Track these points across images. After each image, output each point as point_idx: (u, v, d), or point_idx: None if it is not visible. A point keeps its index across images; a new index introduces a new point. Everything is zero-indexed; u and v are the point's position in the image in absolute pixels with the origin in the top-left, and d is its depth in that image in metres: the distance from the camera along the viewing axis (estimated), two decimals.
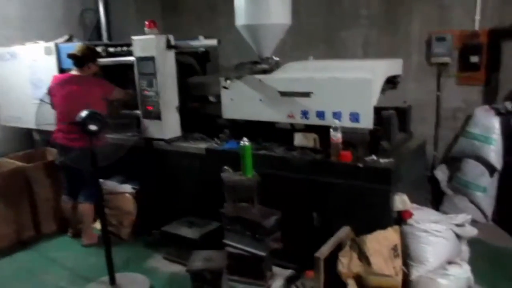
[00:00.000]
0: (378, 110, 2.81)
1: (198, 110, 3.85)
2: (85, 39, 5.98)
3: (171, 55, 3.53)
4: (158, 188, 3.77)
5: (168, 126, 3.57)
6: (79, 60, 3.48)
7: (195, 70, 4.02)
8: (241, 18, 3.22)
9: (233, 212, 2.90)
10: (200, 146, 3.43)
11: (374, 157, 2.75)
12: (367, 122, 2.72)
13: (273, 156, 3.02)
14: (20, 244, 3.80)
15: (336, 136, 2.75)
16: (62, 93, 3.43)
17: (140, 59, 3.53)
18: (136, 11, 5.93)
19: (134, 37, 3.54)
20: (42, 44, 4.22)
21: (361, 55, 4.32)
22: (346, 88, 2.77)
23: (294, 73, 3.02)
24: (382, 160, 2.69)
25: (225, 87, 3.15)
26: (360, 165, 2.66)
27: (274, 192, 3.01)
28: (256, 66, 3.28)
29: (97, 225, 4.02)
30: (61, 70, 4.15)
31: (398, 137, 3.02)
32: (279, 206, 2.99)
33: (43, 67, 4.18)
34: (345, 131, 2.83)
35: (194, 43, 3.57)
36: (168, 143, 3.57)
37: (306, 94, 2.92)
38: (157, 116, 3.55)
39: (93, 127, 2.57)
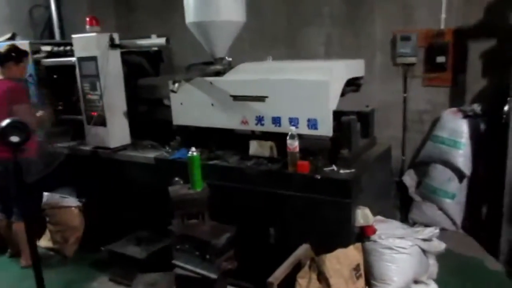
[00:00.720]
0: (338, 115, 2.58)
1: (150, 115, 3.55)
2: (35, 38, 5.59)
3: (115, 54, 3.21)
4: (105, 201, 3.45)
5: (114, 133, 3.26)
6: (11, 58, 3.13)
7: (146, 71, 3.72)
8: (190, 15, 2.92)
9: (181, 229, 2.61)
10: (149, 155, 3.12)
11: (334, 167, 2.52)
12: (325, 129, 2.49)
13: (226, 166, 2.74)
14: None
15: (293, 145, 2.50)
16: None
17: (81, 59, 3.21)
18: (89, 8, 5.54)
19: (74, 36, 3.21)
20: None
21: (323, 55, 4.09)
22: (302, 92, 2.52)
23: (247, 75, 2.76)
24: (342, 171, 2.46)
25: (173, 91, 2.86)
26: (318, 176, 2.42)
27: (228, 206, 2.74)
28: (209, 67, 3.01)
29: (42, 242, 3.67)
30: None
31: (361, 143, 2.80)
32: (234, 221, 2.70)
33: None
34: (305, 138, 2.60)
35: (141, 42, 3.26)
36: (114, 152, 3.25)
37: (261, 98, 2.66)
38: (101, 122, 3.22)
39: (15, 139, 2.24)
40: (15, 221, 3.26)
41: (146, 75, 3.66)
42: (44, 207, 3.54)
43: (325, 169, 2.51)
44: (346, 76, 2.64)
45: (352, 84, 2.85)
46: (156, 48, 3.93)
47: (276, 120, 2.64)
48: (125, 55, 3.53)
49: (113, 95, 3.21)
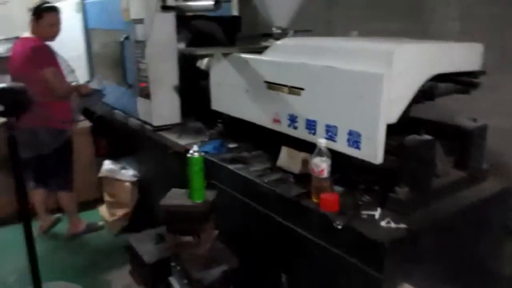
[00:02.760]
0: (408, 129, 1.62)
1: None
2: None
3: (167, 18, 2.72)
4: (154, 181, 3.13)
5: (159, 109, 2.83)
6: (32, 13, 2.95)
7: (217, 40, 3.16)
8: None
9: (172, 247, 2.07)
10: (183, 141, 2.61)
11: (377, 212, 1.60)
12: (371, 150, 1.56)
13: (242, 176, 2.04)
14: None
15: (318, 166, 1.66)
16: (11, 58, 3.01)
17: (134, 21, 2.82)
18: None
19: None
20: (71, 1, 3.81)
21: (458, 32, 2.86)
22: (343, 88, 1.63)
23: (284, 55, 1.95)
24: (386, 223, 1.53)
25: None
26: (338, 224, 1.54)
27: (239, 226, 2.09)
28: (260, 41, 2.29)
29: (100, 211, 3.61)
30: (86, 31, 3.73)
31: (446, 178, 1.76)
32: (240, 249, 2.07)
33: (70, 27, 3.80)
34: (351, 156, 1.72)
35: (192, 3, 2.68)
36: (154, 131, 2.84)
37: (295, 90, 1.85)
38: (147, 95, 2.83)
39: None
40: (59, 191, 3.19)
41: (217, 45, 3.11)
42: (100, 174, 3.42)
43: (364, 212, 1.61)
44: (429, 68, 1.61)
45: (455, 82, 1.79)
46: (234, 14, 3.34)
47: (311, 125, 1.81)
48: (193, 20, 3.05)
49: (160, 66, 2.77)
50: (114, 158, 3.56)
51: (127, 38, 2.93)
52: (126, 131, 3.31)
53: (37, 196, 3.24)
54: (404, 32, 2.91)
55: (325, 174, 1.66)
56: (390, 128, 1.56)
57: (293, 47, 1.95)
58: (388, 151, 1.62)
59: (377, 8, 3.22)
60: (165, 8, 2.67)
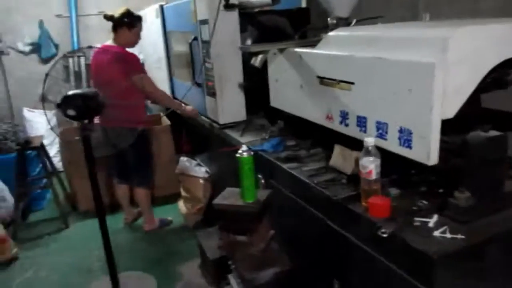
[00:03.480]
0: (467, 125, 1.41)
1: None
2: None
3: (232, 17, 2.73)
4: (226, 178, 3.18)
5: (224, 107, 2.86)
6: (113, 22, 3.10)
7: (286, 34, 3.09)
8: None
9: (225, 246, 2.07)
10: (246, 139, 2.61)
11: (433, 220, 1.41)
12: (423, 150, 1.39)
13: (293, 176, 1.96)
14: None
15: (366, 167, 1.52)
16: (93, 65, 3.19)
17: (200, 22, 2.88)
18: None
19: None
20: (154, 6, 4.03)
21: None
22: (393, 80, 1.47)
23: (335, 48, 1.82)
24: (440, 232, 1.34)
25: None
26: (383, 232, 1.39)
27: (293, 227, 2.03)
28: (320, 33, 2.18)
29: (180, 205, 3.78)
30: (165, 34, 3.92)
31: None
32: (294, 251, 2.00)
33: (153, 31, 4.03)
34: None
35: (255, 0, 2.65)
36: (221, 129, 2.88)
37: (346, 85, 1.72)
38: (214, 93, 2.88)
39: (71, 112, 2.16)
40: (136, 187, 3.40)
41: (286, 39, 3.04)
42: (177, 170, 3.57)
43: (418, 219, 1.43)
44: (497, 53, 1.38)
45: None
46: (303, 6, 3.24)
47: (361, 122, 1.67)
48: (261, 15, 3.02)
49: (225, 64, 2.79)
50: (193, 155, 3.70)
51: (195, 39, 3.01)
52: (200, 129, 3.42)
53: (121, 190, 3.51)
54: (500, 10, 2.57)
55: (374, 175, 1.52)
56: (456, 122, 1.37)
57: (345, 38, 1.82)
58: (450, 150, 1.44)
59: None
60: (228, 6, 2.67)
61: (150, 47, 4.35)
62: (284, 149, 2.28)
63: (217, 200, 2.02)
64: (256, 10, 2.98)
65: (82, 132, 2.27)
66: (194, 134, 3.74)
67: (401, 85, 1.42)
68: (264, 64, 2.37)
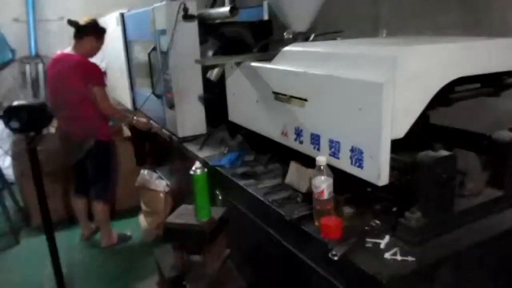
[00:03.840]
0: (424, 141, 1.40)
1: None
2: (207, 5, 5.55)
3: (190, 27, 2.67)
4: (185, 192, 3.10)
5: (184, 120, 2.79)
6: (78, 29, 3.01)
7: (247, 46, 3.05)
8: None
9: (179, 266, 1.99)
10: (204, 153, 2.54)
11: (385, 241, 1.39)
12: (373, 170, 1.36)
13: (248, 193, 1.91)
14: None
15: (318, 186, 1.49)
16: (50, 72, 3.08)
17: (159, 33, 2.81)
18: None
19: (155, 5, 2.82)
20: (114, 14, 3.92)
21: None
22: (343, 99, 1.44)
23: (289, 63, 1.79)
24: (391, 254, 1.32)
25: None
26: (334, 254, 1.35)
27: (250, 246, 1.98)
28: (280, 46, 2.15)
29: (140, 219, 3.67)
30: (126, 43, 3.81)
31: (478, 197, 1.50)
32: (252, 270, 1.94)
33: (114, 39, 3.91)
34: None
35: (214, 11, 2.61)
36: (180, 142, 2.80)
37: (299, 101, 1.69)
38: (172, 105, 2.81)
39: (14, 125, 2.04)
40: (94, 201, 3.27)
41: (247, 51, 3.01)
42: (137, 184, 3.47)
43: (369, 240, 1.41)
44: (448, 72, 1.37)
45: (488, 84, 1.53)
46: (265, 18, 3.22)
47: (315, 139, 1.64)
48: (223, 27, 2.98)
49: (184, 76, 2.72)
50: (156, 167, 3.60)
51: (154, 49, 2.93)
52: (162, 141, 3.33)
53: (78, 204, 3.37)
54: (455, 25, 2.61)
55: (326, 195, 1.48)
56: (409, 141, 1.36)
57: (299, 54, 1.79)
58: (403, 169, 1.42)
59: (426, 1, 2.90)
60: (187, 17, 2.61)
61: (112, 55, 4.23)
62: (242, 165, 2.23)
63: (170, 218, 1.94)
64: (218, 21, 2.93)
65: (27, 145, 2.16)
66: (157, 146, 3.64)
67: (352, 104, 1.40)
68: (222, 77, 2.32)
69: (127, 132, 4.07)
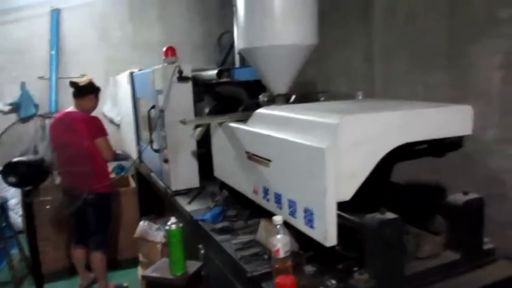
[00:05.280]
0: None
1: None
2: (218, 63, 5.86)
3: (185, 88, 2.85)
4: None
5: (177, 174, 2.91)
6: (79, 90, 3.25)
7: (242, 103, 3.21)
8: (240, 40, 2.31)
9: None
10: (191, 207, 2.63)
11: None
12: (321, 231, 1.42)
13: (222, 249, 1.97)
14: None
15: (274, 245, 1.54)
16: (54, 131, 3.25)
17: (157, 92, 3.01)
18: None
19: (155, 67, 3.04)
20: (126, 73, 4.20)
21: (500, 84, 2.54)
22: (297, 161, 1.53)
23: (259, 125, 1.90)
24: None
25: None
26: None
27: None
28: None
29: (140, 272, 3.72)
30: (134, 100, 4.05)
31: (434, 259, 1.51)
32: None
33: (126, 96, 4.18)
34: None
35: (206, 73, 2.79)
36: (173, 195, 2.91)
37: (265, 162, 1.78)
38: (166, 160, 2.95)
39: (12, 180, 2.21)
40: (93, 251, 3.37)
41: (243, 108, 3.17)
42: (136, 235, 3.56)
43: None
44: (395, 138, 1.45)
45: (432, 149, 1.59)
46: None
47: (278, 198, 1.71)
48: (220, 86, 3.17)
49: (178, 133, 2.87)
50: (156, 219, 3.70)
51: (153, 107, 3.12)
52: (160, 193, 3.45)
53: (77, 253, 3.47)
54: (443, 84, 2.69)
55: (281, 254, 1.53)
56: (361, 201, 1.42)
57: (266, 117, 1.91)
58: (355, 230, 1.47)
59: (417, 60, 3.01)
60: (181, 79, 2.81)
61: (124, 111, 4.49)
62: (223, 220, 2.30)
63: (147, 272, 2.01)
64: (214, 81, 3.12)
65: (23, 199, 2.31)
66: (159, 198, 3.76)
67: (302, 167, 1.48)
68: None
69: (131, 182, 4.22)
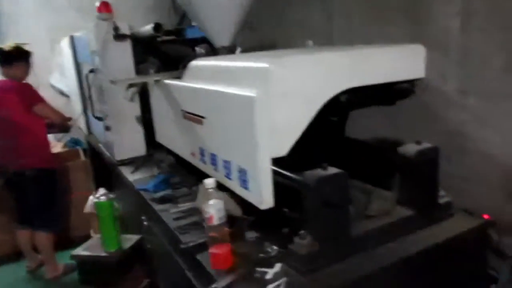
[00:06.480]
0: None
1: None
2: (173, 26, 5.50)
3: (123, 47, 2.58)
4: (130, 217, 2.96)
5: (121, 143, 2.67)
6: (5, 56, 2.93)
7: None
8: None
9: None
10: (135, 177, 2.42)
11: (274, 270, 1.25)
12: (256, 192, 1.24)
13: (160, 219, 1.79)
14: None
15: (206, 212, 1.36)
16: None
17: (92, 53, 2.72)
18: None
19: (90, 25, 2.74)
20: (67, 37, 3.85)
21: (459, 33, 2.38)
22: (227, 114, 1.33)
23: (191, 79, 1.68)
24: (272, 286, 1.18)
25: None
26: (215, 287, 1.22)
27: (165, 275, 1.84)
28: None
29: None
30: (77, 66, 3.73)
31: (385, 218, 1.36)
32: None
33: (67, 65, 3.84)
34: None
35: (142, 29, 2.52)
36: (118, 165, 2.68)
37: (199, 119, 1.57)
38: (108, 128, 2.70)
39: None
40: (37, 231, 3.13)
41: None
42: (85, 210, 3.33)
43: (259, 269, 1.27)
44: (335, 83, 1.26)
45: (387, 95, 1.42)
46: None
47: (214, 160, 1.52)
48: (164, 45, 2.90)
49: (119, 97, 2.61)
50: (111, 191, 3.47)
51: (92, 71, 2.84)
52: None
53: (21, 235, 3.22)
54: (402, 36, 2.53)
55: (215, 221, 1.35)
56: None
57: (199, 69, 1.68)
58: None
59: (375, 13, 2.82)
60: (118, 36, 2.53)
61: (71, 79, 4.15)
62: (167, 187, 2.10)
63: (77, 250, 1.81)
64: (159, 40, 2.85)
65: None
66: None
67: (233, 121, 1.28)
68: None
69: (83, 156, 3.95)
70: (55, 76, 5.10)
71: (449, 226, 1.41)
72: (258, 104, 1.15)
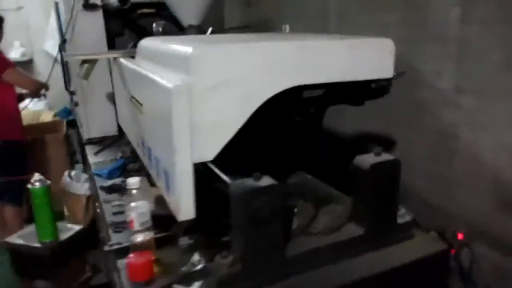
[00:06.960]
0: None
1: None
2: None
3: (94, 17, 2.39)
4: None
5: (89, 119, 2.52)
6: None
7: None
8: None
9: None
10: (97, 159, 2.27)
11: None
12: (175, 200, 1.07)
13: (101, 211, 1.64)
14: None
15: (128, 215, 1.20)
16: None
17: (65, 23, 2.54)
18: None
19: None
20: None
21: (458, 22, 2.14)
22: (156, 107, 1.16)
23: (140, 60, 1.50)
24: None
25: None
26: None
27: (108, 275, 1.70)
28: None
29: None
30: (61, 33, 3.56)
31: (330, 236, 1.19)
32: None
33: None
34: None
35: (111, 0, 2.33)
36: (85, 144, 2.53)
37: (139, 106, 1.40)
38: (76, 104, 2.55)
39: None
40: (4, 205, 3.02)
41: None
42: (59, 186, 3.21)
43: (177, 286, 1.11)
44: (280, 79, 1.07)
45: (357, 93, 1.23)
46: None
47: (150, 155, 1.35)
48: (142, 19, 2.71)
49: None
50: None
51: (64, 41, 2.67)
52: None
53: None
54: (399, 23, 2.31)
55: (137, 226, 1.20)
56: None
57: (145, 49, 1.50)
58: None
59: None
60: (87, 6, 2.34)
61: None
62: (122, 174, 1.95)
63: (11, 237, 1.68)
64: (138, 13, 2.67)
65: None
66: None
67: (158, 113, 1.11)
68: None
69: (61, 129, 3.82)
70: (50, 43, 4.96)
71: (405, 249, 1.22)
72: (177, 97, 0.97)
